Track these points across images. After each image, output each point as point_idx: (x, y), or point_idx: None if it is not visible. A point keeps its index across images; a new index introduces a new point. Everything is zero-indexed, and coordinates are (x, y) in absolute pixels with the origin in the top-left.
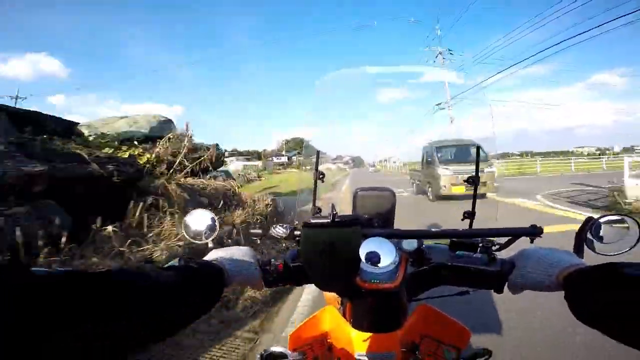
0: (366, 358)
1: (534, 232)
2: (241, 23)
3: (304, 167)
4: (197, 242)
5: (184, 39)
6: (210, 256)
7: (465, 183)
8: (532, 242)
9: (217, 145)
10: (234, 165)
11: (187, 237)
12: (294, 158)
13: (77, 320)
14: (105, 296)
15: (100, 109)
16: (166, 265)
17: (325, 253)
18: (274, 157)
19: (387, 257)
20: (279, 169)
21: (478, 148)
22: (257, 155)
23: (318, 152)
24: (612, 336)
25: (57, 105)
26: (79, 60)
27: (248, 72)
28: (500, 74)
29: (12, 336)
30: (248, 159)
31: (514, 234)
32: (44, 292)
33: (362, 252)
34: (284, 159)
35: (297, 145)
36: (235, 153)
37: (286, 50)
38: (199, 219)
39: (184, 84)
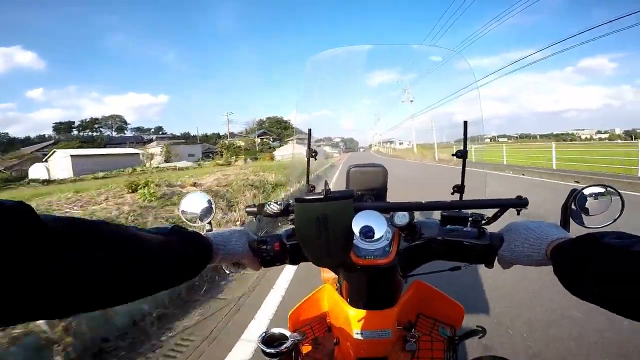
0: (363, 336)
1: (520, 203)
2: (226, 7)
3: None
4: (193, 224)
5: (168, 25)
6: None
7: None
8: (518, 213)
9: None
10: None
11: (183, 219)
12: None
13: (74, 268)
14: (102, 245)
15: (82, 101)
16: (155, 227)
17: (318, 227)
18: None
19: (380, 229)
20: (220, 161)
21: (465, 123)
22: (200, 140)
23: (310, 130)
24: (602, 306)
25: (35, 99)
26: (56, 52)
27: (233, 57)
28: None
29: (14, 275)
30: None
31: (500, 204)
32: (50, 236)
33: (355, 226)
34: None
35: (273, 126)
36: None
37: (273, 36)
38: (195, 202)
39: (169, 72)
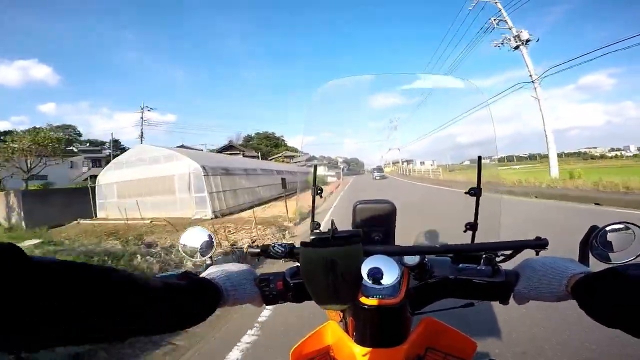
0: None
1: (539, 244)
2: (234, 27)
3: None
4: (193, 259)
5: (178, 45)
6: (208, 272)
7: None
8: (537, 254)
9: None
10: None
11: (183, 254)
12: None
13: (69, 315)
14: (100, 294)
15: (92, 117)
16: (161, 275)
17: (326, 271)
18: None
19: (390, 274)
20: None
21: (479, 158)
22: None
23: (315, 167)
24: (631, 334)
25: (47, 114)
26: (71, 67)
27: (241, 76)
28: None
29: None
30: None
31: (519, 246)
32: (41, 282)
33: (364, 270)
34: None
35: (262, 142)
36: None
37: (279, 52)
38: (195, 237)
39: (179, 90)
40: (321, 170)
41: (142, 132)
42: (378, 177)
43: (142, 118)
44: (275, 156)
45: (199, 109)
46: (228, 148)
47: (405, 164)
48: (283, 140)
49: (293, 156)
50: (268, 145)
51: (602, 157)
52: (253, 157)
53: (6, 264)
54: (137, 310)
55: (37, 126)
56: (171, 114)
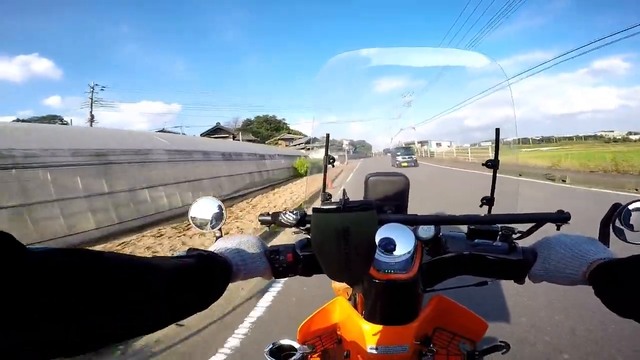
0: (378, 351)
1: (561, 217)
2: (235, 17)
3: None
4: (203, 231)
5: (179, 35)
6: (217, 246)
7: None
8: (558, 229)
9: None
10: None
11: (193, 226)
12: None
13: (74, 309)
14: (106, 283)
15: (97, 110)
16: (170, 255)
17: (337, 240)
18: None
19: (404, 245)
20: None
21: (497, 130)
22: None
23: (328, 135)
24: None
25: (52, 107)
26: (71, 60)
27: (242, 65)
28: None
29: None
30: None
31: (539, 219)
32: (41, 275)
33: (377, 239)
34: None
35: (262, 126)
36: None
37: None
38: (205, 207)
39: (181, 79)
40: (321, 154)
41: (92, 115)
42: (404, 164)
43: (91, 99)
44: (272, 139)
45: (199, 96)
46: (215, 131)
47: (419, 145)
48: (285, 123)
49: (292, 139)
50: (268, 129)
51: (626, 140)
52: (249, 140)
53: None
54: (144, 298)
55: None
56: (176, 104)
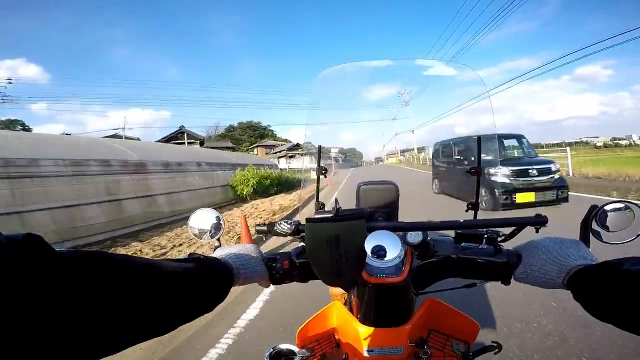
0: (374, 353)
1: (539, 221)
2: (227, 23)
3: None
4: (202, 241)
5: (169, 41)
6: (217, 254)
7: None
8: (537, 231)
9: None
10: None
11: (192, 235)
12: None
13: (97, 308)
14: (127, 283)
15: (85, 116)
16: (175, 258)
17: (330, 247)
18: None
19: (393, 250)
20: None
21: (479, 138)
22: None
23: (320, 147)
24: (626, 329)
25: (38, 113)
26: (60, 66)
27: (235, 72)
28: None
29: (31, 320)
30: None
31: (518, 223)
32: (70, 274)
33: (368, 246)
34: None
35: (245, 132)
36: None
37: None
38: (204, 218)
39: (172, 86)
40: (307, 162)
41: None
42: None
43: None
44: (245, 146)
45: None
46: (175, 137)
47: (405, 153)
48: (271, 130)
49: (274, 146)
50: (252, 136)
51: (617, 145)
52: (224, 148)
53: (31, 257)
54: (155, 299)
55: None
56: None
